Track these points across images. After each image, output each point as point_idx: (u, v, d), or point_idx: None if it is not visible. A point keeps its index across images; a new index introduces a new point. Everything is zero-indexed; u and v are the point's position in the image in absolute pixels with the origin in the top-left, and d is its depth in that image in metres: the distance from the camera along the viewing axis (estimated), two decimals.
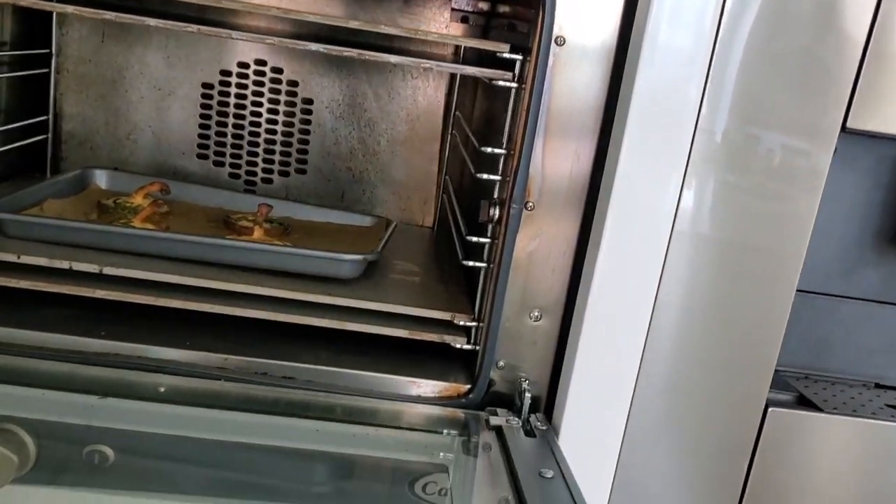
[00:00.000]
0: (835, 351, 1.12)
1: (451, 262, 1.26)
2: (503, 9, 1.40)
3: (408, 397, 1.00)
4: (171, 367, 0.98)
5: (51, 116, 1.41)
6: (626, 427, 0.97)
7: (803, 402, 1.04)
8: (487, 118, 1.42)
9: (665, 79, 0.88)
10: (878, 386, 1.13)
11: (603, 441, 0.97)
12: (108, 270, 1.00)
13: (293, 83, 1.44)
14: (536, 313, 0.99)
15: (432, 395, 1.01)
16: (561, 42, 0.91)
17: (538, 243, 0.97)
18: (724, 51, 0.88)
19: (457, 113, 1.45)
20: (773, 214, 0.93)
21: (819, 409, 1.01)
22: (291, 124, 1.46)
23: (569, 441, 0.96)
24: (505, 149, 0.99)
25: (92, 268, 1.00)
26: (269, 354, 1.01)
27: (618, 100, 0.92)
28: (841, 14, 0.88)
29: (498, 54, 0.97)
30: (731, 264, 0.95)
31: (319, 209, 1.36)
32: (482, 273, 1.03)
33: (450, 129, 1.47)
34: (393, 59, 0.95)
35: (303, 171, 1.48)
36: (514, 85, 0.97)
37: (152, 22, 0.92)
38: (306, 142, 1.47)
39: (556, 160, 0.95)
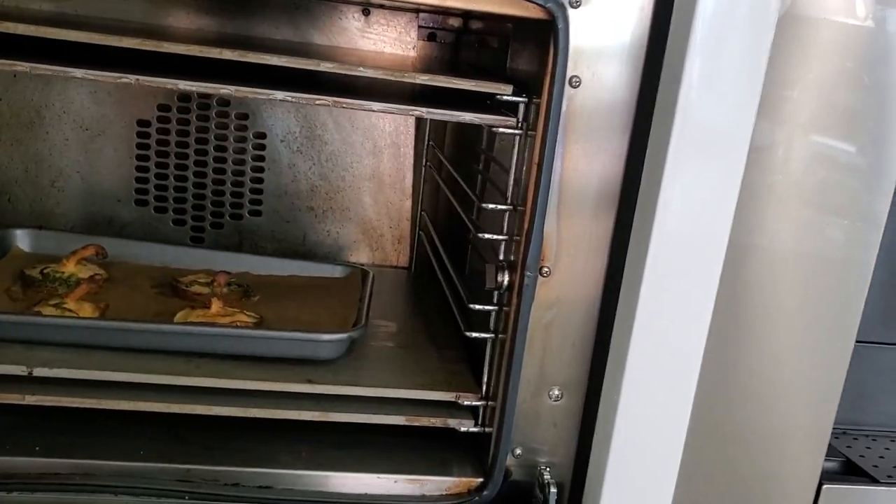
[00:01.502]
0: (874, 402, 1.01)
1: (439, 315, 1.12)
2: (476, 25, 1.26)
3: (408, 499, 0.86)
4: (123, 486, 0.81)
5: None
6: None
7: (852, 470, 0.93)
8: (463, 146, 1.28)
9: (707, 118, 0.75)
10: None
11: None
12: (39, 372, 0.83)
13: (242, 116, 1.26)
14: (556, 392, 0.85)
15: (438, 493, 0.86)
16: (576, 83, 0.77)
17: (556, 312, 0.83)
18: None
19: (430, 142, 1.30)
20: (831, 258, 0.82)
21: (873, 479, 0.90)
22: (242, 161, 1.29)
23: None
24: (510, 204, 0.85)
25: (18, 370, 0.82)
26: (240, 459, 0.85)
27: (648, 141, 0.78)
28: None
29: (498, 96, 0.82)
30: (783, 321, 0.83)
31: (281, 260, 1.20)
32: (489, 345, 0.88)
33: (423, 159, 1.31)
34: (375, 106, 0.79)
35: (257, 213, 1.31)
36: (518, 132, 0.82)
37: (78, 73, 0.74)
38: (260, 180, 1.30)
39: (575, 217, 0.81)
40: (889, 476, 0.91)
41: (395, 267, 1.35)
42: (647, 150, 0.77)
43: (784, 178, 0.82)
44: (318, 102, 0.78)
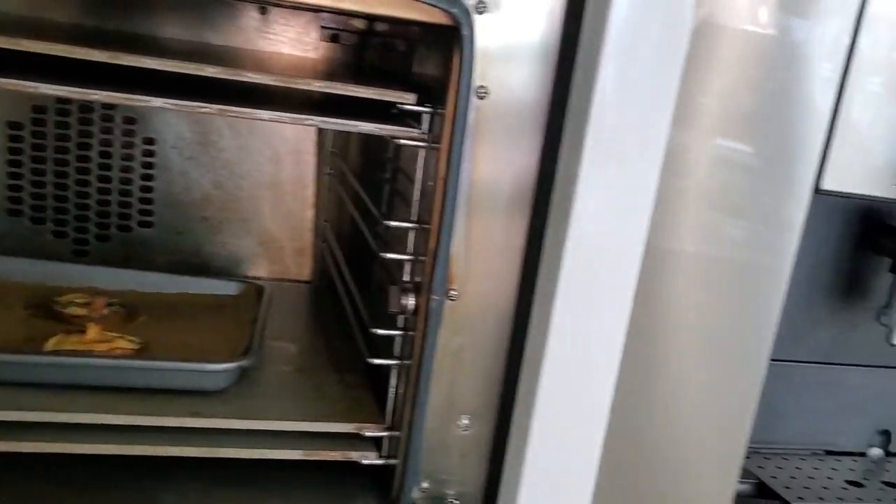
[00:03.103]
0: (784, 420, 1.00)
1: (341, 336, 1.05)
2: (381, 27, 1.20)
3: None
4: None
5: None
6: None
7: (764, 493, 0.91)
8: (369, 154, 1.22)
9: (622, 124, 0.70)
10: (828, 453, 1.02)
11: None
12: None
13: (130, 120, 1.17)
14: (466, 420, 0.80)
15: None
16: (483, 94, 0.72)
17: (466, 337, 0.78)
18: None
19: (333, 149, 1.24)
20: (742, 266, 0.80)
21: (785, 502, 0.88)
22: (130, 169, 1.19)
23: None
24: (415, 221, 0.79)
25: None
26: (121, 501, 0.77)
27: (559, 153, 0.73)
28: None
29: (399, 105, 0.76)
30: (695, 336, 0.81)
31: (169, 276, 1.11)
32: (394, 372, 0.83)
33: (326, 167, 1.25)
34: (265, 115, 0.73)
35: (147, 224, 1.22)
36: (422, 144, 0.77)
37: None
38: (149, 189, 1.21)
39: (484, 235, 0.76)
40: (800, 497, 0.89)
41: (296, 281, 1.28)
42: (560, 162, 0.73)
43: (694, 183, 0.79)
44: (201, 110, 0.71)
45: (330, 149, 1.23)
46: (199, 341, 0.94)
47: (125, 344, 0.87)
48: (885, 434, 1.03)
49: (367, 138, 1.24)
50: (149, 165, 1.20)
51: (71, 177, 1.17)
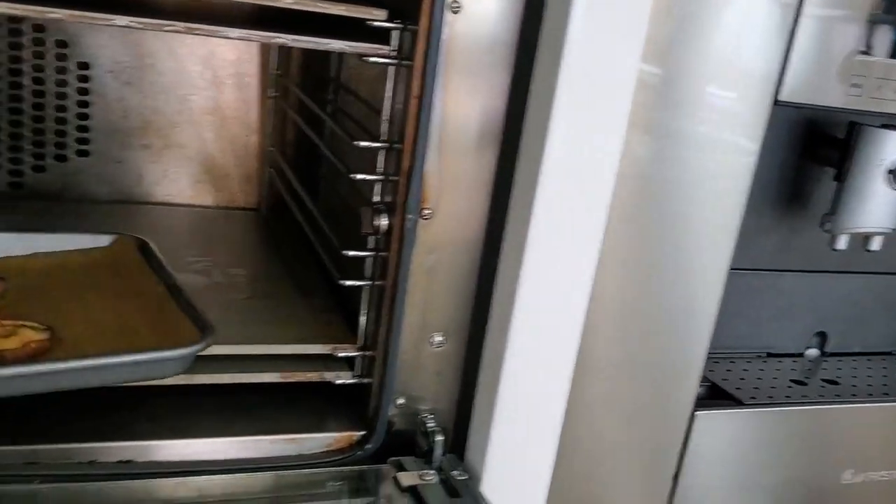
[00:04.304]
0: (729, 325, 1.05)
1: (298, 260, 1.05)
2: None
3: (286, 460, 0.80)
4: None
5: None
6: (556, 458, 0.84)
7: (718, 394, 0.96)
8: (311, 74, 1.20)
9: (596, 52, 0.71)
10: (769, 356, 1.08)
11: (532, 476, 0.83)
12: None
13: (61, 43, 1.11)
14: (439, 338, 0.82)
15: (318, 450, 0.82)
16: (457, 9, 0.72)
17: (439, 256, 0.79)
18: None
19: (278, 71, 1.21)
20: (707, 187, 0.83)
21: (739, 402, 0.94)
22: (64, 95, 1.14)
23: (492, 485, 0.81)
24: (385, 141, 0.79)
25: None
26: (94, 433, 0.76)
27: (532, 74, 0.74)
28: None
29: (368, 22, 0.75)
30: (659, 256, 0.84)
31: (13, 235, 0.86)
32: (365, 292, 0.83)
33: (269, 90, 1.22)
34: (234, 33, 0.70)
35: (85, 154, 1.17)
36: (392, 62, 0.76)
37: None
38: (86, 116, 1.16)
39: (457, 155, 0.76)
40: (752, 398, 0.95)
41: (244, 209, 1.26)
42: (533, 84, 0.73)
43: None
44: (167, 29, 0.68)
45: (275, 70, 1.20)
46: (109, 317, 0.79)
47: (32, 334, 0.71)
48: (821, 335, 1.09)
49: (309, 58, 1.21)
50: (84, 91, 1.14)
51: (3, 105, 1.11)
